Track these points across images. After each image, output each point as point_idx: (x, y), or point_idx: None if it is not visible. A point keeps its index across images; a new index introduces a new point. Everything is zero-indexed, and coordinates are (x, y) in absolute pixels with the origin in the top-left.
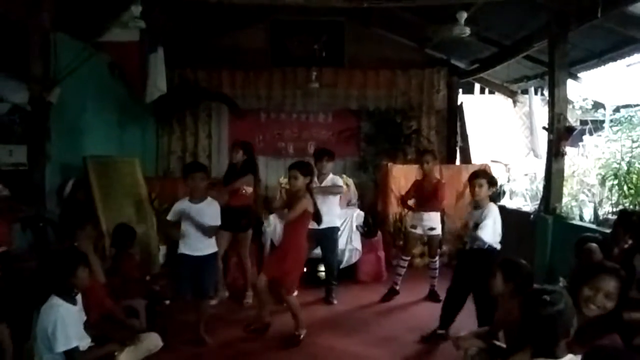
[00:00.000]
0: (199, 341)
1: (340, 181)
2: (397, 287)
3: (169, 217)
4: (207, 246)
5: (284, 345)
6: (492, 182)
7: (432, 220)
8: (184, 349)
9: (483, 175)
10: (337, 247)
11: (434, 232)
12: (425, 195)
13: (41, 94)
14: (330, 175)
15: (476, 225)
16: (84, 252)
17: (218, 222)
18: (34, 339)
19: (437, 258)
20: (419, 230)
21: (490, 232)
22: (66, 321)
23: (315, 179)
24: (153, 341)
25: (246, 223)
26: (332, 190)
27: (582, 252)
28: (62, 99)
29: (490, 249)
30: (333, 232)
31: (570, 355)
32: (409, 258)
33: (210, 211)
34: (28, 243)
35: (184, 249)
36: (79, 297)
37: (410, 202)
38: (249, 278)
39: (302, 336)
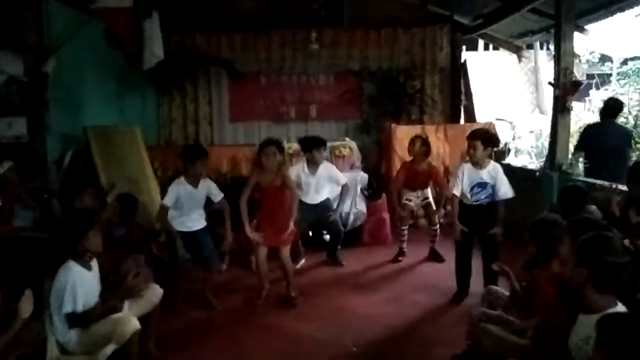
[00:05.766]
0: (208, 305)
1: (336, 171)
2: (404, 249)
3: (166, 203)
4: (195, 223)
5: (287, 306)
6: (487, 142)
7: (424, 193)
8: (193, 314)
9: (477, 136)
10: (333, 211)
11: (428, 201)
12: (417, 180)
13: (37, 64)
14: (323, 166)
15: (481, 184)
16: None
17: (221, 195)
18: (47, 306)
19: (437, 225)
20: (413, 203)
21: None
22: (77, 283)
23: (306, 169)
24: (155, 292)
25: None
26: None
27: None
28: (59, 69)
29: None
30: (326, 202)
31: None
32: (406, 226)
33: (211, 189)
34: (34, 215)
35: (174, 225)
36: (94, 264)
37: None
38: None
39: (296, 296)
